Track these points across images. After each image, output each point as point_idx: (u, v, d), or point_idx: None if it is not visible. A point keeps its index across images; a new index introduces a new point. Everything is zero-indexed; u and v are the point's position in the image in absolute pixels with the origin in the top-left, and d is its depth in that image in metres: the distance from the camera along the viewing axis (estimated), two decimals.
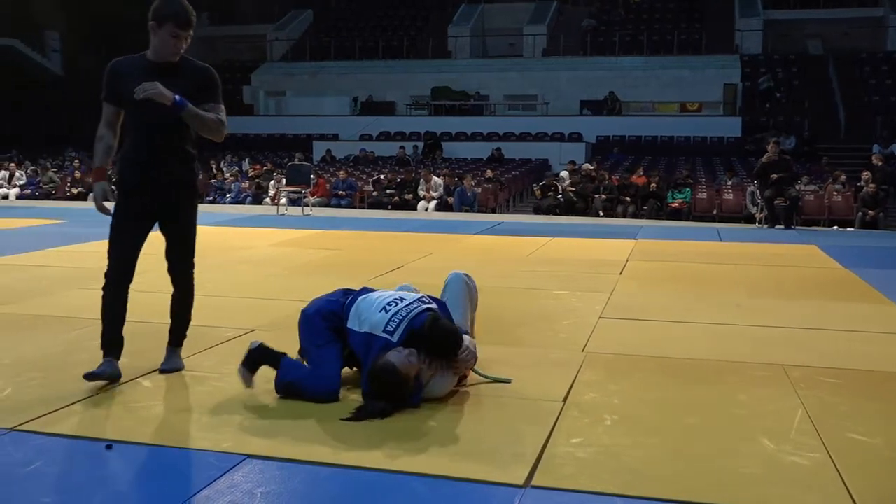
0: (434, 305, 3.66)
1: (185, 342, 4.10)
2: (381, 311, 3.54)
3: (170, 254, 3.86)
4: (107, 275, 3.72)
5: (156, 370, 3.94)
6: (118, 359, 3.78)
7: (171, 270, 3.89)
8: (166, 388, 3.71)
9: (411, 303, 3.58)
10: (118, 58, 3.71)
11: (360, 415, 3.22)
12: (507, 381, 3.71)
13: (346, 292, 3.79)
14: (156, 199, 3.73)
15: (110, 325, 3.72)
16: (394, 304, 3.57)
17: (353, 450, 2.92)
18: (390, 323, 3.48)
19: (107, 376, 3.66)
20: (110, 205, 3.75)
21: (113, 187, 3.78)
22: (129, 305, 3.75)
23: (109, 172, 3.97)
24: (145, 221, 3.77)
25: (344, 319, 3.59)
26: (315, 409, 3.36)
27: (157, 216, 3.78)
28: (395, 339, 3.44)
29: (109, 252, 3.73)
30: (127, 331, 4.15)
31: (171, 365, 3.97)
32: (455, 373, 3.53)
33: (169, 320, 4.00)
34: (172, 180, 3.73)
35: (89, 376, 3.62)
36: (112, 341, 3.75)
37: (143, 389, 3.68)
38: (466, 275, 4.08)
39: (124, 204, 3.72)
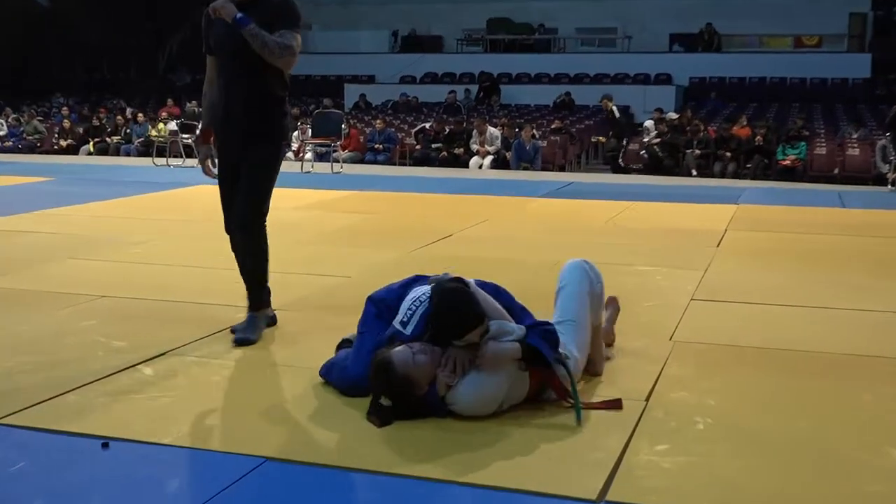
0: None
1: (190, 324, 4.21)
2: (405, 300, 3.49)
3: (237, 207, 4.28)
4: (226, 230, 4.36)
5: (158, 355, 4.03)
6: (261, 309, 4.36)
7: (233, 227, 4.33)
8: (171, 376, 3.78)
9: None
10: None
11: (374, 414, 3.22)
12: (577, 420, 3.28)
13: (415, 280, 3.64)
14: (233, 152, 4.24)
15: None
16: (419, 290, 3.47)
17: (394, 455, 2.95)
18: (407, 311, 3.41)
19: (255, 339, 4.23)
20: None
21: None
22: (124, 280, 3.93)
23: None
24: (234, 173, 4.25)
25: (395, 313, 3.55)
26: (348, 405, 3.40)
27: (240, 167, 4.23)
28: (407, 331, 3.34)
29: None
30: (123, 308, 4.22)
31: (243, 335, 4.25)
32: (487, 369, 3.22)
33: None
34: (245, 131, 4.19)
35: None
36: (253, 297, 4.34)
37: (145, 378, 3.75)
38: (587, 262, 3.79)
39: (219, 159, 4.30)
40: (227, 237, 4.38)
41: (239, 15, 4.02)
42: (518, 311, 3.54)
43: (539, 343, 3.30)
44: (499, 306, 3.43)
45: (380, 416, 3.21)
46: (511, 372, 3.29)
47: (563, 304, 3.68)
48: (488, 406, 3.25)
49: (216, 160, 4.35)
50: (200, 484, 2.78)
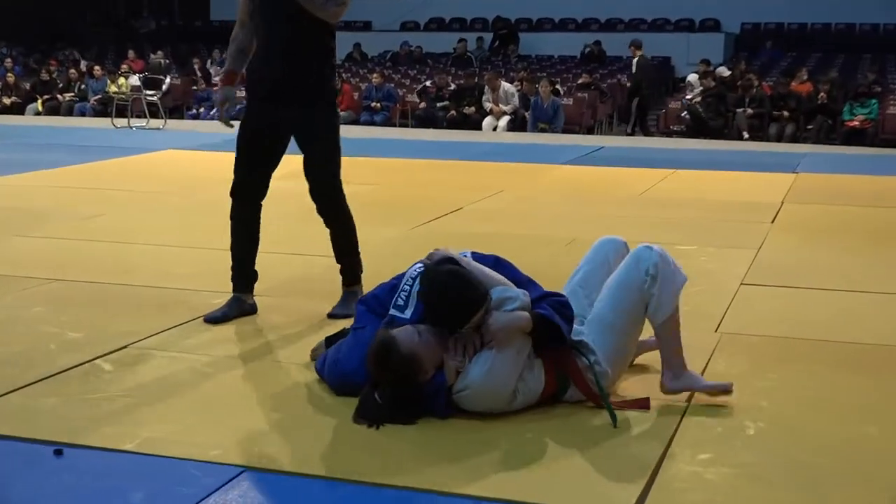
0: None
1: (155, 312, 4.26)
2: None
3: (306, 176, 4.52)
4: (231, 192, 4.52)
5: (119, 348, 4.04)
6: (248, 292, 4.56)
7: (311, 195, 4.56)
8: (135, 372, 3.79)
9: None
10: None
11: (362, 414, 3.26)
12: (613, 423, 3.30)
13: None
14: (269, 111, 4.38)
15: (238, 252, 4.55)
16: (412, 269, 3.54)
17: (391, 463, 2.97)
18: (400, 295, 3.47)
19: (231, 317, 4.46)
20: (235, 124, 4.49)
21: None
22: (78, 260, 3.94)
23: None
24: (269, 134, 4.45)
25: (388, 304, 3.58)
26: (337, 406, 3.41)
27: (281, 129, 4.43)
28: (406, 314, 3.41)
29: (235, 167, 4.52)
30: (78, 294, 4.23)
31: (341, 310, 4.53)
32: (498, 345, 3.23)
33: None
34: (289, 87, 4.34)
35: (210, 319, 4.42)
36: (240, 273, 4.56)
37: (104, 375, 3.76)
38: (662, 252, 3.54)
39: (248, 113, 4.48)
40: (228, 211, 4.55)
41: None
42: (525, 284, 3.54)
43: (550, 314, 3.31)
44: (499, 276, 3.46)
45: (370, 416, 3.23)
46: (522, 347, 3.29)
47: (602, 297, 3.56)
48: (503, 389, 3.26)
49: (236, 106, 4.53)
50: (168, 497, 2.79)
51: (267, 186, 4.58)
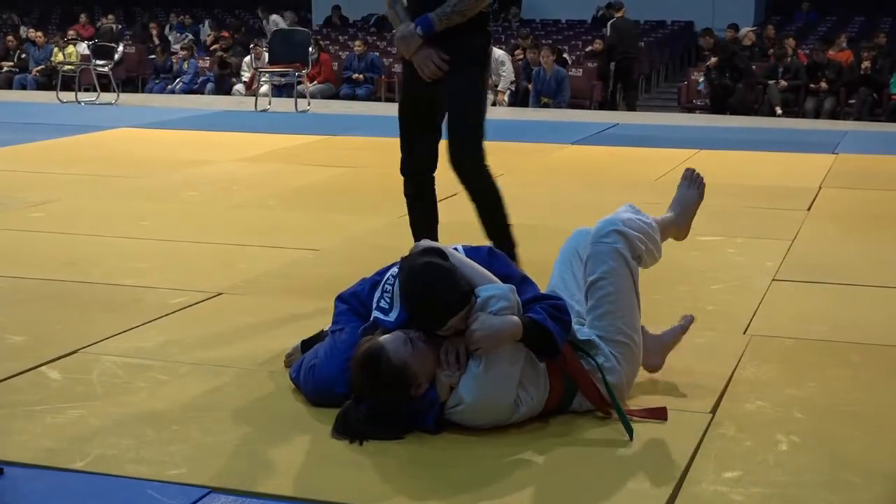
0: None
1: (108, 312, 4.27)
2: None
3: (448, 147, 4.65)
4: (402, 172, 4.80)
5: (67, 354, 4.03)
6: None
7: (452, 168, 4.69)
8: (85, 381, 3.79)
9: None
10: None
11: (341, 429, 3.25)
12: (629, 436, 3.30)
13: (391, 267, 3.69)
14: (421, 79, 4.58)
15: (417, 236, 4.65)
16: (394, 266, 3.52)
17: (373, 484, 2.97)
18: (383, 296, 3.45)
19: None
20: None
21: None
22: (19, 253, 3.91)
23: None
24: (425, 104, 4.67)
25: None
26: (314, 419, 3.42)
27: (426, 97, 4.65)
28: (391, 317, 3.38)
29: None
30: (19, 291, 4.23)
31: None
32: (483, 352, 3.21)
33: None
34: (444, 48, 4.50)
35: None
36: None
37: (50, 384, 3.76)
38: (625, 218, 3.66)
39: (404, 84, 4.79)
40: (432, 172, 4.79)
41: (419, 29, 4.47)
42: (518, 281, 3.51)
43: (543, 318, 3.26)
44: (488, 273, 3.42)
45: (351, 431, 3.22)
46: (515, 355, 3.26)
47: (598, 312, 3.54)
48: (499, 402, 3.25)
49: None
50: None
51: (431, 162, 4.77)
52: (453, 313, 3.23)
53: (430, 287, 3.24)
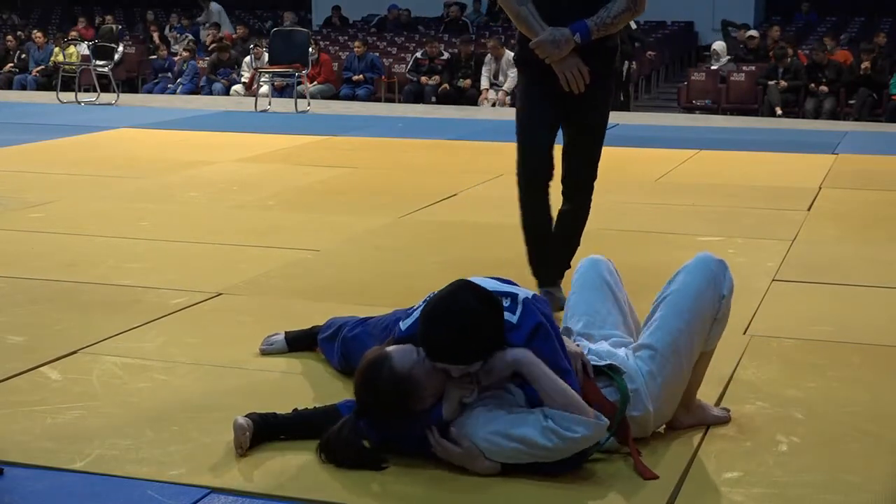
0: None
1: (108, 312, 4.28)
2: None
3: (566, 157, 4.74)
4: (519, 175, 4.71)
5: (67, 354, 4.04)
6: (555, 284, 4.62)
7: (564, 179, 4.75)
8: (85, 381, 3.79)
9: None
10: None
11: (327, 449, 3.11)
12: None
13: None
14: (555, 85, 4.51)
15: (534, 243, 4.68)
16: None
17: (375, 485, 2.99)
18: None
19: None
20: None
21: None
22: (20, 254, 3.90)
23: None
24: (552, 108, 4.64)
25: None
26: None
27: (557, 105, 4.61)
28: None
29: (519, 144, 4.69)
30: (19, 292, 4.23)
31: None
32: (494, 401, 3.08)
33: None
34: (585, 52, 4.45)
35: None
36: (540, 261, 4.68)
37: (50, 384, 3.76)
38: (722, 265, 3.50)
39: (532, 85, 4.67)
40: (550, 179, 4.73)
41: (577, 36, 4.36)
42: (561, 374, 3.08)
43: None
44: (574, 398, 3.03)
45: (339, 449, 3.08)
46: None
47: (658, 321, 3.32)
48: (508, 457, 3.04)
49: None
50: None
51: (550, 167, 4.73)
52: (450, 361, 3.03)
53: (449, 316, 3.02)
